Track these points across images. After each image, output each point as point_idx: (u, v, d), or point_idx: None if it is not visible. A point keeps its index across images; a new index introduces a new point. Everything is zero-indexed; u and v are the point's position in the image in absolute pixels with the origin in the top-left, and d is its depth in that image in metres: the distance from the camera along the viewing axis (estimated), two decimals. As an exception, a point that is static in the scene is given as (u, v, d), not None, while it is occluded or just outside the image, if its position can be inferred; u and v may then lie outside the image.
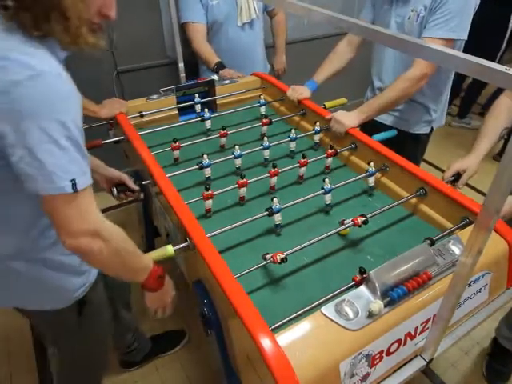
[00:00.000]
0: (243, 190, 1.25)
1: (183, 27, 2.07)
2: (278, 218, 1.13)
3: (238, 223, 1.08)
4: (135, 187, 1.32)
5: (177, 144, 1.41)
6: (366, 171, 1.29)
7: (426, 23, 1.43)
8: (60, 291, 0.97)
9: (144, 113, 1.63)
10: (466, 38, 1.42)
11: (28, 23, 0.69)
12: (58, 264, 0.92)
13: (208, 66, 2.05)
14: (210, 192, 1.17)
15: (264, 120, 1.57)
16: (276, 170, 1.27)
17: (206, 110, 1.62)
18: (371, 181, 1.30)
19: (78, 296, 1.00)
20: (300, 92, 1.69)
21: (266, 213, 1.11)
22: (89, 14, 0.76)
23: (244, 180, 1.22)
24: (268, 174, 1.27)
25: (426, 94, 1.62)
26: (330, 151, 1.37)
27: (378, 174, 1.33)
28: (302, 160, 1.31)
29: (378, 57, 1.72)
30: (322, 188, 1.20)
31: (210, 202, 1.19)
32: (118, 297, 1.40)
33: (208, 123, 1.63)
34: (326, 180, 1.20)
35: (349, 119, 1.46)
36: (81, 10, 0.72)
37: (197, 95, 1.70)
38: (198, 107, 1.70)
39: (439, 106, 1.69)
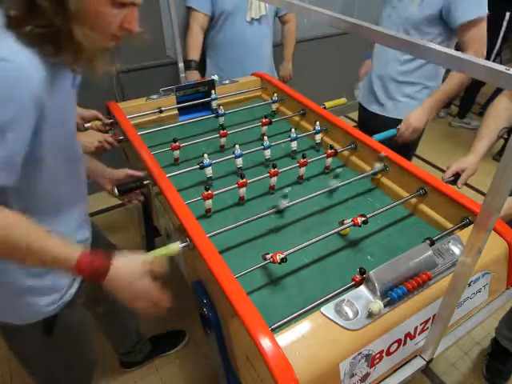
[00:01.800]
0: (243, 190, 1.25)
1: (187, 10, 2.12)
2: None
3: (238, 223, 1.08)
4: (142, 174, 1.29)
5: (177, 144, 1.41)
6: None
7: (454, 7, 1.46)
8: (19, 304, 0.91)
9: (144, 113, 1.63)
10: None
11: (36, 43, 0.70)
12: (19, 282, 0.87)
13: (186, 56, 2.08)
14: (209, 192, 1.17)
15: (264, 120, 1.57)
16: (276, 170, 1.27)
17: (221, 107, 1.65)
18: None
19: (46, 314, 0.95)
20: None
21: (271, 211, 1.12)
22: (106, 40, 0.77)
23: (244, 180, 1.22)
24: (268, 175, 1.27)
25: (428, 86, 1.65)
26: (329, 151, 1.37)
27: (378, 174, 1.34)
28: (302, 160, 1.31)
29: (377, 55, 1.73)
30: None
31: (209, 201, 1.19)
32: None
33: (221, 119, 1.65)
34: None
35: (417, 120, 1.54)
36: (95, 40, 0.73)
37: (213, 92, 1.72)
38: (214, 103, 1.72)
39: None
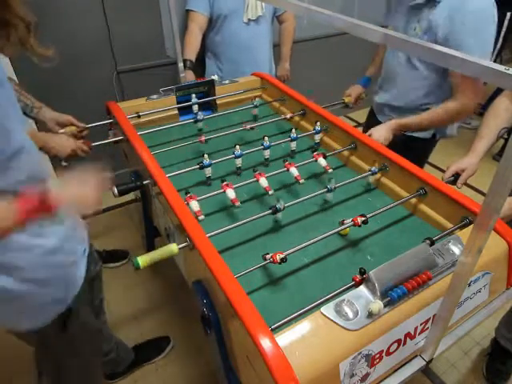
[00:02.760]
0: (231, 193, 1.19)
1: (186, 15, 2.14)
2: (280, 216, 1.13)
3: (237, 223, 1.08)
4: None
5: (202, 138, 1.44)
6: (369, 170, 1.30)
7: (452, 45, 1.37)
8: (36, 308, 0.90)
9: (144, 113, 1.63)
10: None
11: None
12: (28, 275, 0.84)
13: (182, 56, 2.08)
14: (191, 195, 1.15)
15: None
16: (258, 173, 1.24)
17: (200, 112, 1.63)
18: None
19: (60, 311, 0.94)
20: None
21: (269, 211, 1.11)
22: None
23: (226, 183, 1.20)
24: (255, 179, 1.24)
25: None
26: (315, 154, 1.34)
27: (378, 174, 1.33)
28: (287, 163, 1.29)
29: (386, 70, 1.71)
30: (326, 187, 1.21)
31: (195, 202, 1.15)
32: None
33: (200, 124, 1.64)
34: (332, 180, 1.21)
35: (382, 136, 1.49)
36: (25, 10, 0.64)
37: (194, 95, 1.70)
38: (195, 108, 1.69)
39: None
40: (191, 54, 2.07)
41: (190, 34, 2.09)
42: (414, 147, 1.72)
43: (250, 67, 2.09)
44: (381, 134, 1.49)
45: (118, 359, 1.56)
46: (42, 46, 0.71)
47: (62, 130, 1.46)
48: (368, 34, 0.70)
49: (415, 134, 1.69)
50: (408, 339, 0.88)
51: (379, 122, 1.75)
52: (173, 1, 1.73)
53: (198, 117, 1.60)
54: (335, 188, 1.21)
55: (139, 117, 1.62)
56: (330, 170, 1.34)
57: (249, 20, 2.10)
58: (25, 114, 1.41)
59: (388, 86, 1.69)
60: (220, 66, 2.24)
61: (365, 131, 1.55)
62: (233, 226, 1.07)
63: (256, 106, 1.72)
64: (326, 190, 1.20)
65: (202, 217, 1.14)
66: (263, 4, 2.09)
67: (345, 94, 1.87)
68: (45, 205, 0.72)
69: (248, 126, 1.54)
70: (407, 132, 1.69)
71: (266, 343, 0.73)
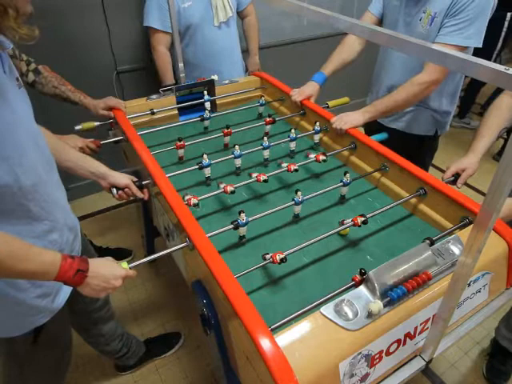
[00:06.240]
0: (229, 188, 1.20)
1: (146, 30, 2.05)
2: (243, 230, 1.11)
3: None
4: (140, 195, 1.24)
5: (182, 143, 1.42)
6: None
7: (442, 27, 1.39)
8: (17, 315, 0.91)
9: (144, 113, 1.63)
10: (480, 45, 1.37)
11: None
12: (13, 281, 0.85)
13: (161, 81, 2.04)
14: (193, 196, 1.15)
15: (268, 119, 1.57)
16: (258, 175, 1.24)
17: (207, 111, 1.64)
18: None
19: (36, 323, 0.94)
20: (305, 94, 1.67)
21: (270, 211, 1.11)
22: None
23: (224, 185, 1.20)
24: (255, 179, 1.25)
25: (442, 102, 1.61)
26: (316, 155, 1.35)
27: (378, 174, 1.33)
28: (287, 164, 1.29)
29: (383, 58, 1.70)
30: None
31: (193, 199, 1.16)
32: (91, 313, 1.34)
33: (206, 123, 1.64)
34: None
35: (353, 117, 1.46)
36: None
37: (206, 93, 1.71)
38: (207, 105, 1.70)
39: (450, 112, 1.69)
40: (171, 77, 2.02)
41: (161, 58, 2.00)
42: (419, 146, 1.71)
43: (228, 70, 2.06)
44: (351, 116, 1.47)
45: (130, 353, 1.58)
46: (27, 26, 0.73)
47: (77, 127, 1.50)
48: (367, 34, 0.70)
49: (418, 133, 1.69)
50: (408, 339, 0.88)
51: (379, 124, 1.75)
52: (173, 1, 1.73)
53: (205, 115, 1.60)
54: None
55: (153, 113, 1.64)
56: (325, 158, 1.34)
57: (220, 23, 2.03)
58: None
59: (388, 76, 1.67)
60: (198, 75, 2.04)
61: (367, 133, 1.54)
62: (233, 225, 1.07)
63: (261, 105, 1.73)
64: (326, 190, 1.21)
65: (195, 200, 1.13)
66: (231, 3, 2.03)
67: (301, 92, 1.70)
68: (76, 277, 0.80)
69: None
70: (410, 131, 1.69)
71: (265, 343, 0.73)
